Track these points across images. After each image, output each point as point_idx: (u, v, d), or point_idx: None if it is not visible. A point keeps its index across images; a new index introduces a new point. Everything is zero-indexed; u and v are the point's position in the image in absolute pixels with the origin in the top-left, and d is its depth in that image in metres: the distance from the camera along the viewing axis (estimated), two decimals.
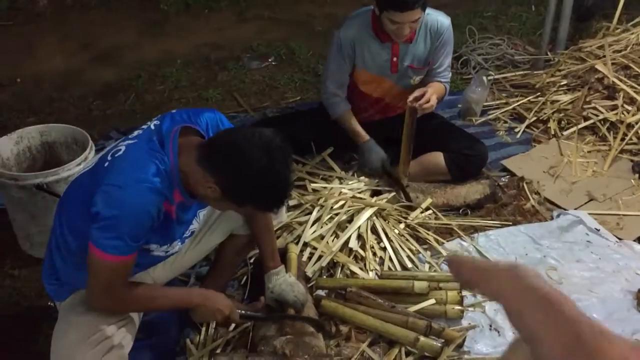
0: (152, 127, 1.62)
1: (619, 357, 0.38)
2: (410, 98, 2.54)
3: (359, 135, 2.78)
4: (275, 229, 2.35)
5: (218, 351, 2.00)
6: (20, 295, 2.28)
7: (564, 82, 3.58)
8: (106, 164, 1.56)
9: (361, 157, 2.78)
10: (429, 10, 2.60)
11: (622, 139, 3.13)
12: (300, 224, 2.48)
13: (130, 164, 1.53)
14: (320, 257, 2.32)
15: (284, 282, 2.01)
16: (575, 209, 2.73)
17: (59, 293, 1.76)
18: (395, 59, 2.70)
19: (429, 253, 2.43)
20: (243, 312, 1.88)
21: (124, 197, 1.48)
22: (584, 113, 3.33)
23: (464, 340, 2.04)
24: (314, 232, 2.41)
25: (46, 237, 1.77)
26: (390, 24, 2.49)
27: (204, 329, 2.08)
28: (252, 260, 2.35)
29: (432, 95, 2.57)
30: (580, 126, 3.26)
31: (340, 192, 2.64)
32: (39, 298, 2.23)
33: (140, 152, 1.55)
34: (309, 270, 2.28)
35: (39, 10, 4.75)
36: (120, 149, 1.58)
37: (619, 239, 2.58)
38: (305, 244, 2.39)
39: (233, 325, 2.07)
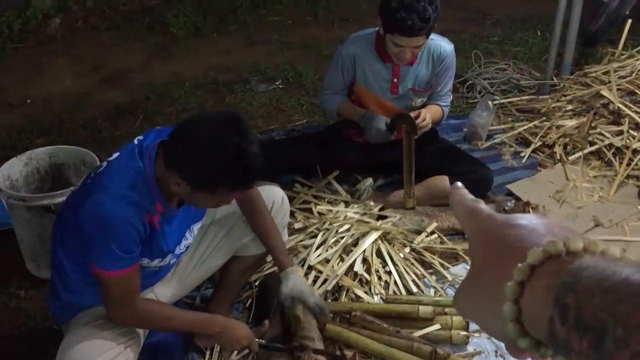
0: (136, 142, 1.67)
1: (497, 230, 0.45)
2: None
3: (359, 111, 2.78)
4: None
5: None
6: (26, 317, 2.28)
7: (570, 107, 3.60)
8: (89, 181, 1.63)
9: (366, 128, 2.73)
10: (432, 36, 2.64)
11: (628, 164, 3.13)
12: (306, 247, 2.48)
13: (109, 179, 1.58)
14: (325, 280, 2.32)
15: (303, 283, 2.02)
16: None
17: (62, 314, 1.78)
18: (395, 80, 2.73)
19: (434, 277, 2.43)
20: (262, 342, 1.89)
21: (103, 213, 1.52)
22: (590, 138, 3.34)
23: None
24: (319, 255, 2.41)
25: None
26: (394, 47, 2.53)
27: (208, 352, 2.08)
28: (257, 283, 2.35)
29: (426, 114, 2.64)
30: (585, 151, 3.27)
31: (346, 216, 2.64)
32: (44, 319, 2.24)
33: (119, 167, 1.61)
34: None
35: (49, 33, 4.82)
36: (102, 165, 1.65)
37: None
38: (310, 267, 2.39)
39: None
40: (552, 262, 0.39)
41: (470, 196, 0.52)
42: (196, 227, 1.86)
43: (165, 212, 1.66)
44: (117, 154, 1.66)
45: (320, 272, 2.37)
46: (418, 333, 2.11)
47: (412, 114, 2.64)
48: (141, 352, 1.78)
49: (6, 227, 2.49)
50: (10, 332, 2.23)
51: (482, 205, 0.50)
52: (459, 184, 0.55)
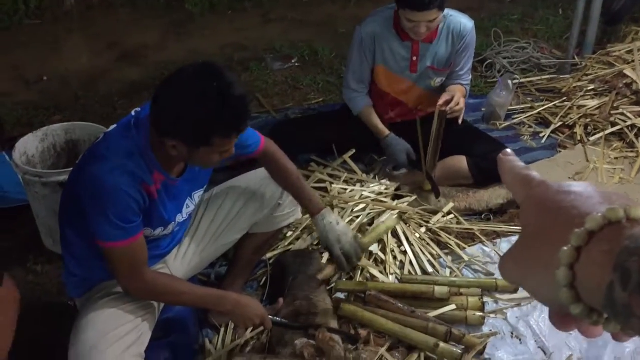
0: (133, 113, 1.66)
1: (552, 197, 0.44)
2: (440, 102, 2.52)
3: (380, 131, 2.77)
4: (291, 228, 2.37)
5: (237, 352, 1.99)
6: (42, 291, 2.30)
7: (591, 87, 3.52)
8: (86, 153, 1.64)
9: (386, 152, 2.76)
10: (452, 12, 2.58)
11: None
12: None
13: (105, 149, 1.57)
14: None
15: (330, 229, 2.06)
16: None
17: (76, 289, 1.79)
18: (415, 58, 2.68)
19: (450, 258, 2.40)
20: (276, 319, 1.89)
21: (99, 183, 1.52)
22: (611, 119, 3.27)
23: (484, 348, 2.01)
24: None
25: None
26: (407, 22, 2.48)
27: (222, 329, 2.08)
28: (271, 261, 2.34)
29: (460, 98, 2.58)
30: (607, 132, 3.20)
31: (362, 195, 2.62)
32: (60, 294, 2.25)
33: (115, 138, 1.60)
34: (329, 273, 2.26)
35: (66, 10, 4.81)
36: (99, 137, 1.64)
37: None
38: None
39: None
40: (611, 228, 0.39)
41: (521, 163, 0.52)
42: (197, 195, 1.86)
43: (165, 181, 1.66)
44: (114, 126, 1.65)
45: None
46: (433, 313, 2.10)
47: (445, 98, 2.53)
48: (156, 327, 1.78)
49: (22, 203, 2.50)
50: (26, 307, 2.24)
51: (534, 172, 0.50)
52: (509, 151, 0.54)
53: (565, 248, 0.39)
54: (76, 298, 1.81)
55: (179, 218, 1.80)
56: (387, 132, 2.76)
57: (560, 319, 0.43)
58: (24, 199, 2.47)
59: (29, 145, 2.43)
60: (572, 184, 0.44)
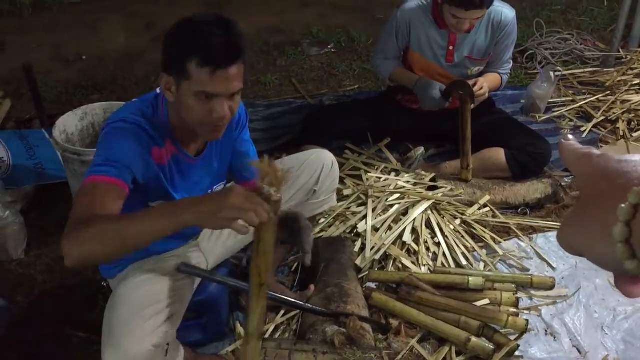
0: (158, 90, 1.63)
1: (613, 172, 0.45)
2: None
3: (412, 77, 2.69)
4: (324, 215, 2.35)
5: (267, 336, 2.00)
6: (77, 270, 2.33)
7: (636, 81, 3.43)
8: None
9: (420, 95, 2.65)
10: (494, 1, 2.51)
11: None
12: (354, 214, 2.45)
13: (122, 109, 1.57)
14: (372, 248, 2.29)
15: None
16: None
17: (110, 270, 1.80)
18: (451, 47, 2.63)
19: (484, 251, 2.36)
20: (308, 306, 1.89)
21: (111, 129, 1.51)
22: None
23: (518, 345, 1.97)
24: (368, 223, 2.38)
25: None
26: (451, 18, 2.43)
27: None
28: None
29: (484, 83, 2.55)
30: None
31: (396, 185, 2.59)
32: (95, 272, 2.28)
33: (133, 103, 1.60)
34: (360, 262, 2.24)
35: None
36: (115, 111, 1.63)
37: None
38: (358, 235, 2.36)
39: (283, 311, 2.07)
40: None
41: (582, 146, 0.53)
42: (219, 189, 1.84)
43: (177, 155, 1.63)
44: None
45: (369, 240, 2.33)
46: (477, 303, 2.07)
47: (469, 82, 2.54)
48: (188, 309, 1.79)
49: (61, 180, 2.54)
50: (62, 283, 2.29)
51: (595, 149, 0.51)
52: (570, 136, 0.56)
53: (623, 205, 0.40)
54: (109, 279, 1.83)
55: None
56: (419, 76, 2.69)
57: (624, 282, 0.44)
58: (62, 176, 2.50)
59: (69, 123, 2.46)
60: (634, 155, 0.45)
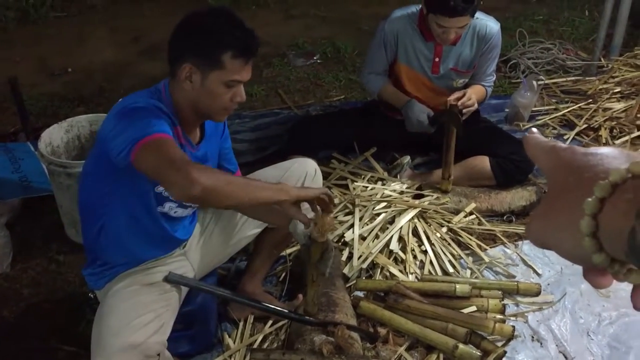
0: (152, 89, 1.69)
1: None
2: (451, 98, 2.53)
3: (401, 98, 2.72)
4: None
5: (255, 346, 2.00)
6: (64, 281, 2.33)
7: (618, 89, 3.48)
8: (106, 118, 1.65)
9: (407, 117, 2.67)
10: (478, 14, 2.55)
11: None
12: (341, 223, 2.46)
13: (124, 102, 1.61)
14: (359, 257, 2.30)
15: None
16: None
17: (97, 281, 1.79)
18: (437, 59, 2.66)
19: (470, 259, 2.38)
20: (295, 315, 1.90)
21: (132, 103, 1.55)
22: (638, 122, 3.22)
23: (505, 351, 1.99)
24: (355, 232, 2.39)
25: None
26: (437, 28, 2.46)
27: (241, 324, 2.09)
28: (291, 257, 2.34)
29: (472, 94, 2.58)
30: (633, 135, 3.15)
31: (383, 193, 2.61)
32: (82, 284, 2.27)
33: (133, 94, 1.66)
34: (348, 271, 2.25)
35: (91, 3, 4.86)
36: (118, 102, 1.67)
37: None
38: (345, 244, 2.37)
39: (271, 321, 2.08)
40: (635, 181, 0.40)
41: (547, 139, 0.53)
42: None
43: (183, 143, 1.67)
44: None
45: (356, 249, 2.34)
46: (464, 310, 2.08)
47: (456, 94, 2.56)
48: (176, 320, 1.79)
49: (47, 193, 2.53)
50: (48, 296, 2.28)
51: (560, 142, 0.51)
52: (535, 129, 0.56)
53: (590, 199, 0.41)
54: (97, 290, 1.82)
55: None
56: (407, 98, 2.71)
57: (591, 274, 0.45)
58: (48, 189, 2.49)
59: (54, 136, 2.45)
60: (599, 148, 0.46)
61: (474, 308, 2.11)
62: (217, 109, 1.65)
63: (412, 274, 2.28)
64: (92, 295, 2.05)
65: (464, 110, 2.55)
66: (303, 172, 2.04)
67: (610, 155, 0.44)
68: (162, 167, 1.43)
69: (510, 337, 2.04)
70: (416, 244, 2.40)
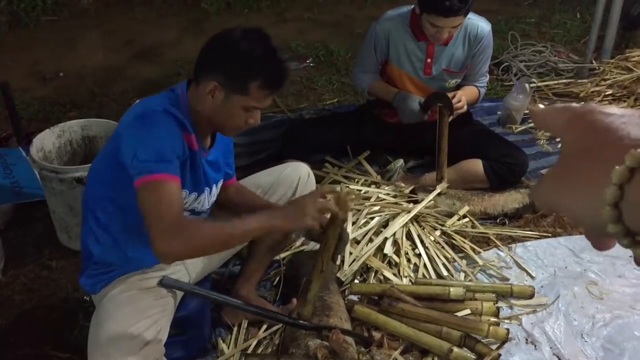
0: (175, 90, 1.71)
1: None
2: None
3: (391, 90, 2.72)
4: None
5: (249, 351, 1.99)
6: (57, 287, 2.31)
7: (609, 91, 3.50)
8: (122, 120, 1.66)
9: (399, 108, 2.68)
10: (470, 15, 2.57)
11: None
12: None
13: (144, 102, 1.65)
14: (353, 261, 2.30)
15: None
16: None
17: (93, 285, 1.78)
18: (429, 60, 2.67)
19: (464, 262, 2.39)
20: (289, 320, 1.90)
21: (145, 112, 1.57)
22: None
23: (499, 354, 1.99)
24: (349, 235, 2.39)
25: None
26: (430, 27, 2.47)
27: (235, 328, 2.08)
28: (284, 261, 2.34)
29: (462, 96, 2.60)
30: None
31: (377, 197, 2.61)
32: (75, 290, 2.26)
33: (152, 98, 1.68)
34: (342, 275, 2.25)
35: (83, 7, 4.84)
36: (135, 104, 1.70)
37: None
38: None
39: (265, 325, 2.07)
40: None
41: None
42: (218, 185, 1.88)
43: (197, 149, 1.68)
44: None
45: (349, 253, 2.34)
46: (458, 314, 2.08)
47: (448, 95, 2.58)
48: (170, 325, 1.78)
49: (38, 198, 2.52)
50: (41, 302, 2.26)
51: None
52: (541, 105, 0.54)
53: (618, 167, 0.39)
54: (92, 294, 1.81)
55: (205, 199, 1.80)
56: (397, 89, 2.72)
57: (595, 237, 0.44)
58: (40, 194, 2.48)
59: (46, 141, 2.44)
60: (618, 109, 0.44)
61: (468, 311, 2.11)
62: (231, 127, 1.71)
63: (406, 277, 2.28)
64: (87, 298, 2.04)
65: (454, 113, 2.57)
66: (296, 177, 2.03)
67: (633, 121, 0.42)
68: (150, 219, 1.49)
69: (505, 340, 2.05)
70: (410, 247, 2.40)
